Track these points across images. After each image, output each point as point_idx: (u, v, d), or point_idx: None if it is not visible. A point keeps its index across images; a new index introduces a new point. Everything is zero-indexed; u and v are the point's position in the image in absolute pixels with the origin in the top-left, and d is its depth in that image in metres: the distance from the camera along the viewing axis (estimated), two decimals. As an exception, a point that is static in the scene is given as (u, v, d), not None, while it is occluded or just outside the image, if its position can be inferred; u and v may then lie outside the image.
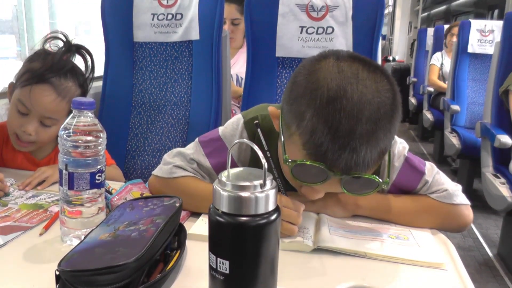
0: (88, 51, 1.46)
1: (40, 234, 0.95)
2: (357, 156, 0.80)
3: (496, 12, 6.83)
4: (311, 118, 0.81)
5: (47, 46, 1.42)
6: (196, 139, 1.13)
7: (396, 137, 1.02)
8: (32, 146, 1.40)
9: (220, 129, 1.12)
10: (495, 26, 3.94)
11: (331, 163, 0.82)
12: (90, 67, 1.47)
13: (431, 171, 1.06)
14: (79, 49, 1.45)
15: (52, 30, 1.43)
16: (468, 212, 1.05)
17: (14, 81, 1.39)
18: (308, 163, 0.83)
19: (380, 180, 0.85)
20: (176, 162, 1.10)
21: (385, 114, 0.82)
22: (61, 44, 1.41)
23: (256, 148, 0.63)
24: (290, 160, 0.86)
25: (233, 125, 1.12)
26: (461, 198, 1.04)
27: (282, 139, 0.90)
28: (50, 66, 1.34)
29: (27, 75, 1.33)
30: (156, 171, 1.12)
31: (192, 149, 1.12)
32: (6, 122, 1.40)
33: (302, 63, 0.91)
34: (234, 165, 1.09)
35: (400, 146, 1.06)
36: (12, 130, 1.37)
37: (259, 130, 1.04)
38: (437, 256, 0.89)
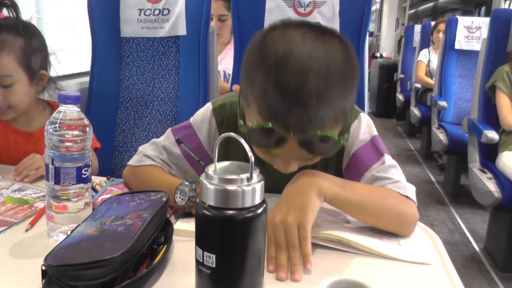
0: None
1: (26, 230, 0.94)
2: (308, 112, 0.81)
3: (483, 9, 6.89)
4: (261, 82, 0.83)
5: None
6: (169, 128, 1.16)
7: (362, 115, 1.07)
8: (12, 112, 1.39)
9: (192, 117, 1.16)
10: (482, 23, 3.97)
11: (284, 124, 0.82)
12: (14, 11, 1.43)
13: (391, 159, 1.05)
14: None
15: None
16: (416, 212, 0.98)
17: None
18: (263, 126, 0.84)
19: (338, 136, 0.85)
20: (147, 151, 1.14)
21: (336, 71, 0.83)
22: None
23: (242, 141, 0.63)
24: (244, 126, 0.88)
25: (202, 112, 1.16)
26: (413, 195, 0.99)
27: (243, 111, 0.94)
28: None
29: None
30: (130, 161, 1.16)
31: (163, 137, 1.16)
32: None
33: (254, 35, 0.93)
34: (204, 151, 1.12)
35: (367, 125, 1.07)
36: None
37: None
38: (419, 255, 0.89)
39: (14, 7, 1.42)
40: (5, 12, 1.43)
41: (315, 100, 0.80)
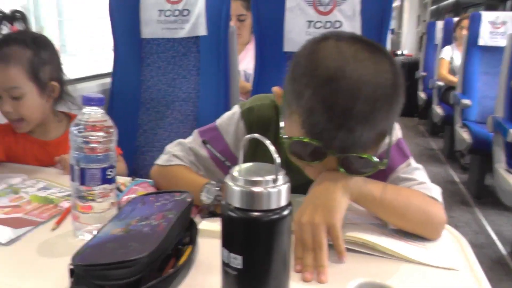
0: (17, 10, 1.44)
1: (53, 229, 0.96)
2: (353, 136, 0.81)
3: (508, 3, 6.75)
4: (309, 97, 0.83)
5: None
6: (195, 130, 1.17)
7: None
8: (25, 124, 1.41)
9: (218, 120, 1.16)
10: (508, 17, 3.89)
11: (326, 142, 0.83)
12: (24, 24, 1.44)
13: (415, 163, 1.05)
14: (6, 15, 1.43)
15: None
16: (443, 214, 0.96)
17: None
18: (304, 140, 0.85)
19: (377, 160, 0.85)
20: (175, 151, 1.15)
21: (383, 95, 0.83)
22: None
23: (268, 143, 0.63)
24: (286, 137, 0.88)
25: (229, 115, 1.15)
26: (439, 196, 0.99)
27: (283, 117, 0.93)
28: None
29: None
30: (157, 160, 1.18)
31: (190, 139, 1.16)
32: None
33: (304, 44, 0.92)
34: (230, 154, 1.11)
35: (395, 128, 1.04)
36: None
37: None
38: (446, 259, 0.87)
39: (24, 20, 1.44)
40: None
41: (360, 124, 0.81)
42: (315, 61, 0.85)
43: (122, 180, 1.18)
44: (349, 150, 0.83)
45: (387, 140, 0.92)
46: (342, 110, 0.80)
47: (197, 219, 0.98)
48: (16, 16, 1.43)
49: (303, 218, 0.85)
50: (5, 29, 1.42)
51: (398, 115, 0.89)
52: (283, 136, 0.90)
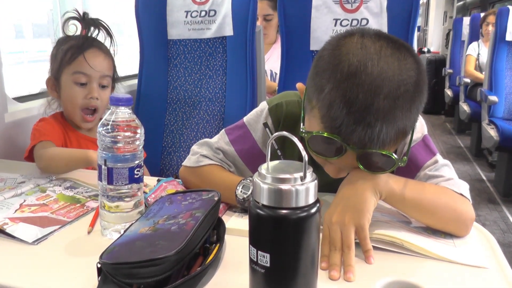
0: (102, 22, 1.58)
1: (88, 232, 0.96)
2: (372, 132, 0.81)
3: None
4: (330, 92, 0.83)
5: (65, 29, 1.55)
6: (223, 129, 1.17)
7: (420, 116, 0.98)
8: (96, 118, 1.50)
9: (245, 117, 1.16)
10: (537, 12, 3.80)
11: (345, 137, 0.82)
12: (108, 35, 1.58)
13: (443, 159, 1.04)
14: (95, 22, 1.56)
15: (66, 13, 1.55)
16: (472, 210, 0.95)
17: (52, 73, 1.51)
18: (323, 135, 0.85)
19: (396, 157, 0.84)
20: (203, 151, 1.14)
21: (405, 92, 0.82)
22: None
23: (296, 140, 0.62)
24: (305, 132, 0.88)
25: (257, 112, 1.15)
26: (467, 193, 0.97)
27: (304, 112, 0.93)
28: (86, 38, 1.51)
29: (71, 52, 1.46)
30: (185, 162, 1.17)
31: (217, 138, 1.16)
32: (68, 106, 1.50)
33: (329, 40, 0.91)
34: (259, 151, 1.12)
35: (419, 124, 1.03)
36: (77, 106, 1.48)
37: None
38: (475, 258, 0.86)
39: (106, 29, 1.57)
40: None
41: (380, 120, 0.80)
42: (338, 56, 0.84)
43: (149, 180, 1.18)
44: (368, 146, 0.83)
45: (408, 138, 0.91)
46: (361, 105, 0.80)
47: (225, 217, 0.98)
48: (99, 24, 1.57)
49: (333, 217, 0.85)
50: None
51: (419, 114, 0.88)
52: (302, 131, 0.90)
